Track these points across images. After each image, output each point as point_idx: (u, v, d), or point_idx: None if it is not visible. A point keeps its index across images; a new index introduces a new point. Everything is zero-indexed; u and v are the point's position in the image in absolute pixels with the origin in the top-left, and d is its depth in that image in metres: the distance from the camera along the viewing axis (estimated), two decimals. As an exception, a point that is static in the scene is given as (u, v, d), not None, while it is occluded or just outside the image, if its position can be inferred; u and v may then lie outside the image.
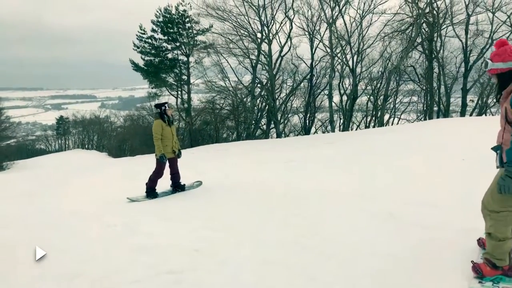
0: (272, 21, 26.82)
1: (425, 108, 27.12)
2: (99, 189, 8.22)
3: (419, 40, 24.94)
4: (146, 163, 10.02)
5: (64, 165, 26.87)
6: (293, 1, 25.81)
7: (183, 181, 6.81)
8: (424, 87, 27.02)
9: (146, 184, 6.49)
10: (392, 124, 27.80)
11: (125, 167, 11.31)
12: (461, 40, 23.87)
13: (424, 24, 24.62)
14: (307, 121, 30.25)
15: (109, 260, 3.63)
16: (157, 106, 6.77)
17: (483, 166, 3.94)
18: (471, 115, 24.32)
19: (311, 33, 27.38)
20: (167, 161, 6.53)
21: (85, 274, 3.35)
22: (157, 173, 6.45)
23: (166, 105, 6.64)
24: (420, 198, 4.73)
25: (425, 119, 25.35)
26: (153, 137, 6.45)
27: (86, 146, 66.88)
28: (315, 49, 27.82)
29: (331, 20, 25.03)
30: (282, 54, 27.88)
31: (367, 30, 26.26)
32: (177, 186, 6.73)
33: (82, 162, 32.25)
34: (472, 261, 2.84)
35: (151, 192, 6.45)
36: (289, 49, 27.76)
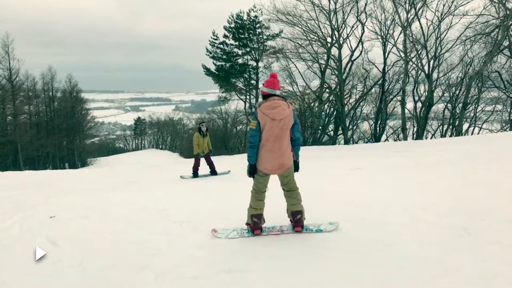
0: (343, 25, 26.40)
1: (511, 118, 24.80)
2: (168, 185, 8.65)
3: (506, 43, 22.89)
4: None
5: (140, 163, 28.68)
6: (365, 4, 25.18)
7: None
8: (510, 95, 24.72)
9: (192, 169, 10.23)
10: (471, 134, 25.81)
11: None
12: (556, 43, 21.51)
13: (512, 26, 22.54)
14: (378, 128, 29.17)
15: (173, 255, 3.79)
16: (198, 123, 10.51)
17: None
18: None
19: (384, 37, 26.47)
20: (203, 156, 10.07)
21: (151, 266, 3.53)
22: (194, 165, 10.13)
23: (201, 124, 10.27)
24: (500, 215, 4.30)
25: (510, 130, 23.19)
26: (193, 142, 10.04)
27: (160, 146, 70.87)
28: (388, 54, 26.85)
29: (406, 23, 23.97)
30: (352, 59, 27.30)
31: (446, 33, 24.70)
32: (212, 172, 10.22)
33: (156, 161, 34.18)
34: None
35: (194, 174, 10.18)
36: (360, 54, 27.12)
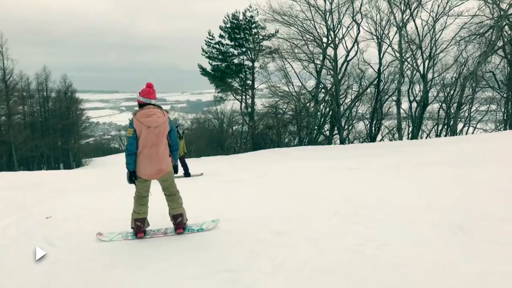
0: (339, 26, 26.47)
1: (505, 118, 25.00)
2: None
3: (500, 43, 23.07)
4: (208, 164, 10.32)
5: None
6: (361, 5, 25.27)
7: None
8: (504, 95, 24.92)
9: None
10: (466, 134, 25.97)
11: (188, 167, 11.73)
12: (549, 44, 21.68)
13: (506, 27, 22.73)
14: (373, 128, 29.28)
15: (171, 255, 3.79)
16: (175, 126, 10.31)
17: None
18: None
19: (379, 37, 26.57)
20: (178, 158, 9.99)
21: (149, 266, 3.54)
22: None
23: (177, 127, 10.20)
24: (496, 214, 4.35)
25: (505, 129, 23.36)
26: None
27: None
28: (384, 54, 26.97)
29: (401, 23, 24.07)
30: (348, 59, 27.38)
31: (441, 33, 24.85)
32: (186, 174, 10.35)
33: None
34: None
35: None
36: (356, 54, 27.20)
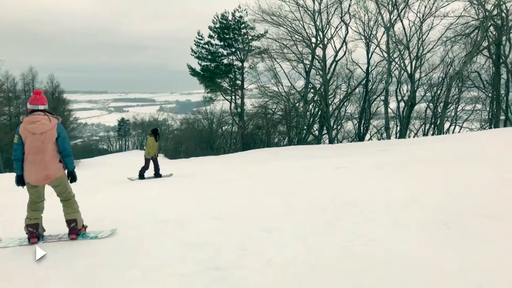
0: (327, 26, 26.66)
1: (490, 117, 25.44)
2: (154, 186, 8.60)
3: (485, 44, 23.49)
4: (198, 164, 10.24)
5: (123, 164, 28.33)
6: (349, 5, 25.47)
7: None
8: (489, 94, 25.35)
9: (139, 171, 10.70)
10: (453, 133, 26.35)
11: (178, 168, 11.73)
12: (533, 44, 22.13)
13: (491, 27, 23.13)
14: (362, 127, 29.53)
15: (160, 254, 3.80)
16: (154, 130, 11.16)
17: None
18: (543, 124, 22.41)
19: (367, 37, 26.83)
20: (153, 159, 10.78)
21: (138, 265, 3.54)
22: (145, 167, 10.74)
23: (156, 129, 11.23)
24: (480, 210, 4.45)
25: (490, 128, 23.77)
26: (146, 145, 10.80)
27: (144, 147, 69.89)
28: (372, 54, 27.23)
29: (389, 24, 24.33)
30: (336, 59, 27.56)
31: (428, 34, 25.22)
32: (156, 174, 10.85)
33: (140, 161, 33.86)
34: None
35: (140, 176, 10.70)
36: (344, 54, 27.41)
